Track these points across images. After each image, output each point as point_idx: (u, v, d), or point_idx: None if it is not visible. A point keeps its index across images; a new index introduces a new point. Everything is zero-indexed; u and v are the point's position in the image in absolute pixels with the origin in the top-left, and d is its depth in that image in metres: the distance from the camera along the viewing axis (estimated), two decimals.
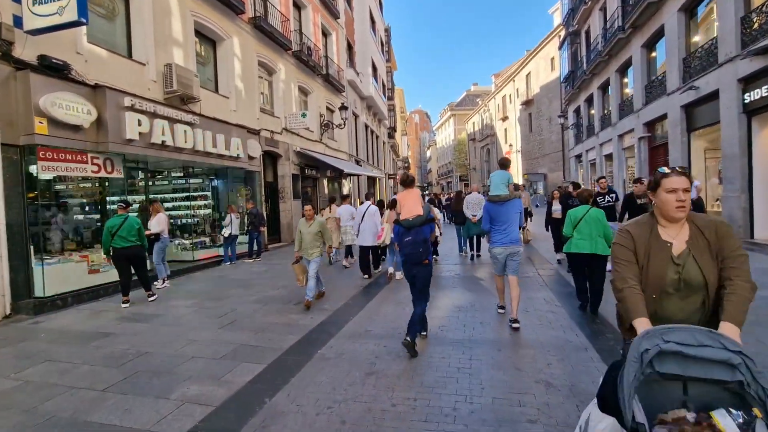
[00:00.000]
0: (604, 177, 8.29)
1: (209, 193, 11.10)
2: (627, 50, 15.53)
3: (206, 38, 10.79)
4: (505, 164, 5.43)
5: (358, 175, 21.25)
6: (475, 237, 9.51)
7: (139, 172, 9.42)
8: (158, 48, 8.57)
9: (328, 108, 18.06)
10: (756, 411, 1.33)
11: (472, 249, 9.63)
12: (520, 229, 4.95)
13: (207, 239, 10.71)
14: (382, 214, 8.21)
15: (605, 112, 19.12)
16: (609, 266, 6.20)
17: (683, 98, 11.27)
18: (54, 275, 6.39)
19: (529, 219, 12.08)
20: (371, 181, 26.46)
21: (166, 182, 11.04)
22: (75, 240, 7.29)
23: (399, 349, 4.04)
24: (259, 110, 12.50)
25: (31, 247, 6.21)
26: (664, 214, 1.79)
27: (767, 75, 8.25)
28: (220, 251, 10.44)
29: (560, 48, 25.67)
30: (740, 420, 1.32)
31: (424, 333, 4.39)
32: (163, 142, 7.95)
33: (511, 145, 40.81)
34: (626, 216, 7.08)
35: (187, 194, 10.85)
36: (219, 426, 2.84)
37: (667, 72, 12.37)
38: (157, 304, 6.39)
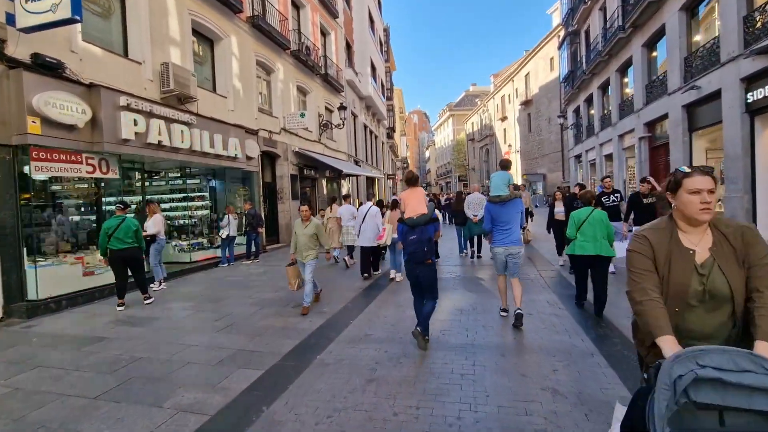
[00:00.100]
0: (608, 177, 8.15)
1: (207, 194, 10.97)
2: (627, 50, 15.46)
3: (204, 37, 10.67)
4: (505, 165, 5.41)
5: (357, 176, 21.15)
6: (476, 237, 9.46)
7: (136, 173, 9.31)
8: (155, 47, 8.45)
9: (326, 108, 17.96)
10: None
11: (473, 248, 9.59)
12: (521, 229, 4.91)
13: (204, 240, 10.60)
14: (382, 214, 8.14)
15: (605, 112, 19.05)
16: (611, 268, 6.13)
17: (685, 98, 11.19)
18: (47, 278, 6.27)
19: (530, 219, 11.99)
20: (370, 181, 26.38)
21: (163, 183, 10.93)
22: (70, 242, 7.16)
23: (400, 354, 3.94)
24: (257, 110, 12.37)
25: (24, 248, 6.09)
26: (687, 217, 1.65)
27: None
28: (218, 252, 10.36)
29: (559, 48, 25.61)
30: None
31: (426, 337, 4.29)
32: (159, 142, 7.84)
33: (510, 146, 40.78)
34: (632, 216, 6.99)
35: (185, 195, 10.74)
36: None
37: (668, 71, 12.30)
38: (153, 307, 6.28)
